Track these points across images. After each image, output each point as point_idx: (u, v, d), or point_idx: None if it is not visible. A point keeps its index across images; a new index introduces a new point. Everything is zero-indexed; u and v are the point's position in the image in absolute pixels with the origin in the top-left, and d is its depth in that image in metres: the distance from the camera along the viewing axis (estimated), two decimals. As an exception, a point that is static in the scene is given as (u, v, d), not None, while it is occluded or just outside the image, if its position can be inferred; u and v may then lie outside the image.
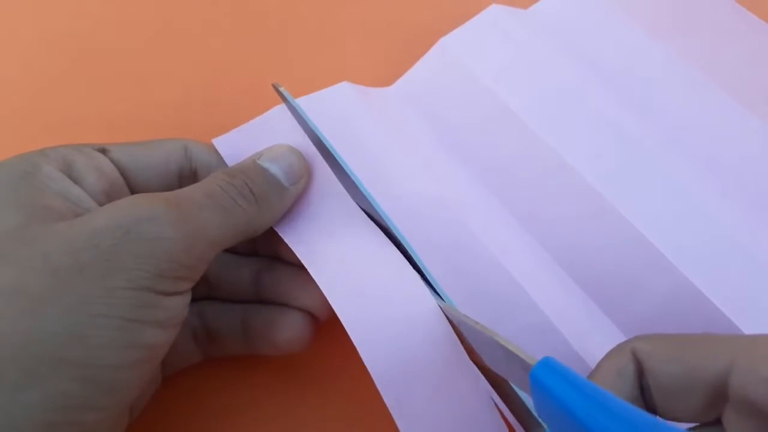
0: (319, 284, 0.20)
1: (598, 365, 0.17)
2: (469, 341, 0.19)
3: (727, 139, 0.26)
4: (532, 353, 0.16)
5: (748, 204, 0.24)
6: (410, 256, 0.21)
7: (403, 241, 0.21)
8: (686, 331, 0.21)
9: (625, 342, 0.17)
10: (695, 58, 0.28)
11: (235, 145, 0.23)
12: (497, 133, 0.26)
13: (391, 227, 0.21)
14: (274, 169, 0.21)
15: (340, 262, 0.20)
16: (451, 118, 0.28)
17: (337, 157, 0.22)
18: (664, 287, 0.22)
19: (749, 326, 0.21)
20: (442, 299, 0.20)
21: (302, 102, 0.24)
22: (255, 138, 0.23)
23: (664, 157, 0.25)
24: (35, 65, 0.32)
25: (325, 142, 0.22)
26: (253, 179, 0.20)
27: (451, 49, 0.28)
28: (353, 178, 0.22)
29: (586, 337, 0.22)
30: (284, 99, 0.24)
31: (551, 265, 0.25)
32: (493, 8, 0.29)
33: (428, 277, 0.20)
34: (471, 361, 0.20)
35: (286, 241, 0.21)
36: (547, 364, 0.14)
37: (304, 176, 0.22)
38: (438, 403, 0.19)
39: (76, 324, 0.16)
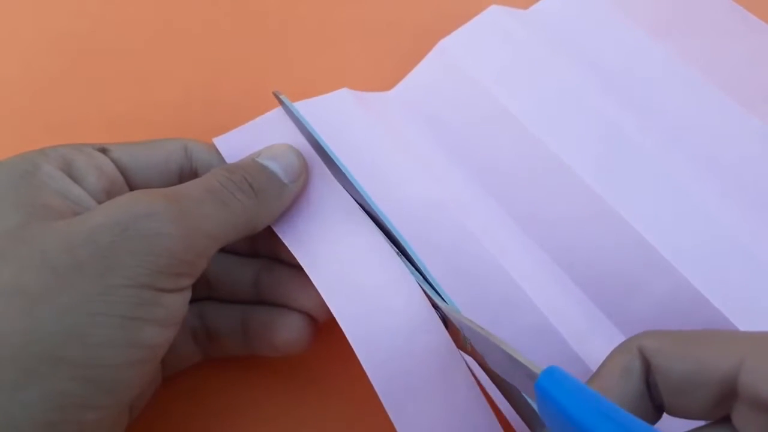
0: (317, 288, 0.20)
1: (604, 362, 0.17)
2: (473, 344, 0.19)
3: (727, 139, 0.26)
4: (532, 353, 0.16)
5: (748, 204, 0.24)
6: (412, 258, 0.21)
7: (404, 244, 0.21)
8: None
9: (631, 339, 0.17)
10: (695, 59, 0.28)
11: (236, 145, 0.23)
12: (497, 134, 0.26)
13: (393, 230, 0.21)
14: (274, 166, 0.21)
15: (338, 264, 0.20)
16: (451, 120, 0.28)
17: (337, 162, 0.22)
18: (664, 288, 0.22)
19: (748, 327, 0.21)
20: (445, 302, 0.20)
21: (301, 106, 0.25)
22: (255, 138, 0.23)
23: (664, 157, 0.25)
24: (35, 65, 0.32)
25: (325, 147, 0.22)
26: (252, 175, 0.20)
27: (451, 51, 0.28)
28: (353, 182, 0.22)
29: (585, 337, 0.22)
30: (285, 106, 0.24)
31: (551, 266, 0.25)
32: (493, 9, 0.29)
33: (431, 280, 0.20)
34: (467, 367, 0.20)
35: (285, 242, 0.21)
36: (552, 373, 0.14)
37: (303, 174, 0.22)
38: (435, 408, 0.19)
39: (75, 323, 0.16)
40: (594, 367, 0.21)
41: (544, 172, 0.25)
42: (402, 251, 0.21)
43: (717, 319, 0.21)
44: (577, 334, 0.22)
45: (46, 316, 0.16)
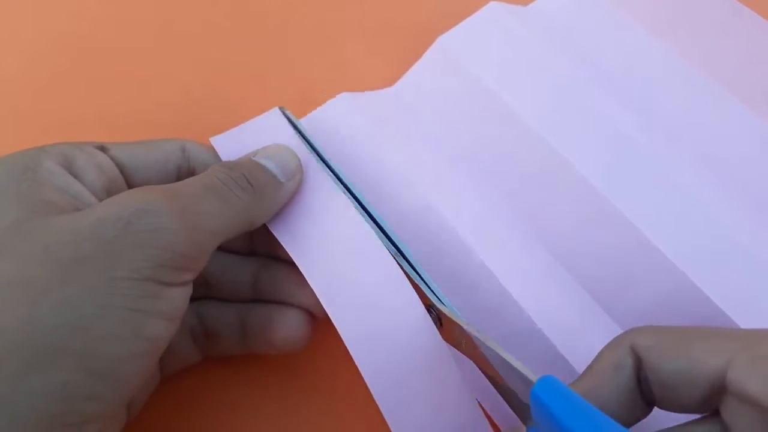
0: (312, 287, 0.20)
1: (597, 358, 0.17)
2: (468, 344, 0.19)
3: (727, 137, 0.26)
4: (519, 354, 0.16)
5: (748, 204, 0.24)
6: (410, 261, 0.21)
7: (402, 247, 0.21)
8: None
9: (623, 335, 0.17)
10: (695, 56, 0.28)
11: (233, 144, 0.24)
12: (498, 131, 0.26)
13: (391, 234, 0.21)
14: (270, 164, 0.22)
15: (333, 263, 0.21)
16: (452, 116, 0.28)
17: (340, 175, 0.23)
18: (664, 285, 0.22)
19: (748, 324, 0.21)
20: (443, 304, 0.20)
21: (304, 123, 0.25)
22: (252, 137, 0.24)
23: (664, 155, 0.25)
24: (35, 65, 0.32)
25: (329, 163, 0.23)
26: (250, 172, 0.21)
27: (450, 47, 0.28)
28: (354, 191, 0.22)
29: (575, 338, 0.23)
30: (290, 122, 0.24)
31: (551, 262, 0.25)
32: (492, 5, 0.29)
33: (428, 282, 0.21)
34: (457, 368, 0.20)
35: (281, 241, 0.22)
36: (547, 383, 0.15)
37: (299, 174, 0.22)
38: (426, 405, 0.20)
39: (79, 315, 0.16)
40: (580, 368, 0.21)
41: (544, 168, 0.25)
42: (401, 254, 0.21)
43: (717, 316, 0.21)
44: (566, 335, 0.23)
45: (51, 309, 0.16)
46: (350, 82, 0.31)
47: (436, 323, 0.20)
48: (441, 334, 0.21)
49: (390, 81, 0.30)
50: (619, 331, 0.23)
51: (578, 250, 0.24)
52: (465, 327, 0.18)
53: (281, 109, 0.25)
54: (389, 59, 0.31)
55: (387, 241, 0.22)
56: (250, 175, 0.20)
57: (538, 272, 0.24)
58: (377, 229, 0.22)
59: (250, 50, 0.32)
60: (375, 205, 0.23)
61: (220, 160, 0.23)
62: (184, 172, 0.23)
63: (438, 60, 0.28)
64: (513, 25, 0.28)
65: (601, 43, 0.29)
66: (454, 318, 0.19)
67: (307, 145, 0.24)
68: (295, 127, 0.24)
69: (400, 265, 0.21)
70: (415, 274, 0.21)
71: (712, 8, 0.30)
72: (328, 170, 0.23)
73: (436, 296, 0.20)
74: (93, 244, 0.17)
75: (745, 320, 0.21)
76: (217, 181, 0.20)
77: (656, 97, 0.27)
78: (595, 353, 0.18)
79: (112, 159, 0.21)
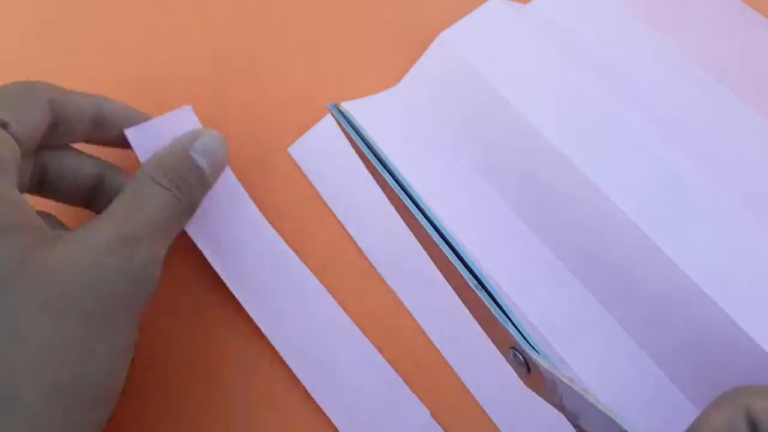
0: (227, 283, 0.24)
1: (703, 419, 0.16)
2: (564, 398, 0.17)
3: (727, 136, 0.26)
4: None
5: (748, 202, 0.24)
6: (498, 301, 0.18)
7: (490, 287, 0.18)
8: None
9: (731, 394, 0.16)
10: (695, 54, 0.28)
11: (147, 139, 0.24)
12: (498, 128, 0.26)
13: (476, 271, 0.19)
14: (203, 162, 0.23)
15: (239, 255, 0.25)
16: (453, 114, 0.28)
17: (400, 178, 0.21)
18: (667, 287, 0.22)
19: (753, 328, 0.20)
20: (537, 352, 0.18)
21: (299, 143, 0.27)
22: (166, 133, 0.24)
23: (664, 153, 0.24)
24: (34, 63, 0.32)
25: (390, 167, 0.21)
26: (186, 173, 0.22)
27: (451, 43, 0.28)
28: (418, 200, 0.20)
29: (576, 334, 0.22)
30: (345, 117, 0.23)
31: (554, 261, 0.25)
32: (493, 2, 0.29)
33: (519, 328, 0.18)
34: (366, 339, 0.24)
35: (197, 243, 0.24)
36: None
37: (222, 169, 0.24)
38: (296, 315, 0.25)
39: (109, 367, 0.19)
40: (579, 370, 0.21)
41: (545, 166, 0.25)
42: (485, 290, 0.19)
43: (721, 318, 0.21)
44: (565, 334, 0.22)
45: (96, 363, 0.18)
46: (351, 81, 0.31)
47: (521, 368, 0.18)
48: (526, 381, 0.19)
49: (390, 80, 0.30)
50: (619, 331, 0.23)
51: (580, 249, 0.24)
52: (560, 377, 0.17)
53: (335, 105, 0.23)
54: (389, 59, 0.31)
55: (468, 273, 0.19)
56: (187, 176, 0.22)
57: (538, 271, 0.24)
58: (456, 257, 0.19)
59: (250, 50, 0.32)
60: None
61: (90, 116, 0.24)
62: (52, 125, 0.22)
63: (438, 57, 0.28)
64: (513, 21, 0.28)
65: (601, 41, 0.29)
66: (547, 368, 0.17)
67: (362, 143, 0.21)
68: (350, 123, 0.22)
69: (482, 299, 0.18)
70: (502, 314, 0.18)
71: (713, 6, 0.30)
72: (384, 169, 0.21)
73: (528, 342, 0.18)
74: (115, 300, 0.19)
75: (746, 320, 0.20)
76: (175, 201, 0.21)
77: (656, 96, 0.27)
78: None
79: (11, 135, 0.20)
